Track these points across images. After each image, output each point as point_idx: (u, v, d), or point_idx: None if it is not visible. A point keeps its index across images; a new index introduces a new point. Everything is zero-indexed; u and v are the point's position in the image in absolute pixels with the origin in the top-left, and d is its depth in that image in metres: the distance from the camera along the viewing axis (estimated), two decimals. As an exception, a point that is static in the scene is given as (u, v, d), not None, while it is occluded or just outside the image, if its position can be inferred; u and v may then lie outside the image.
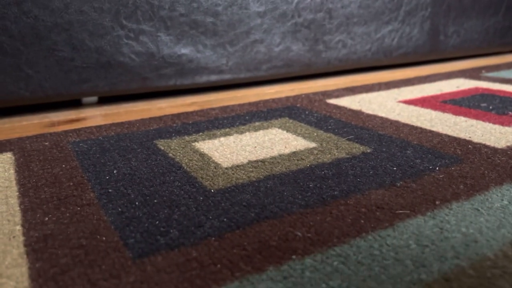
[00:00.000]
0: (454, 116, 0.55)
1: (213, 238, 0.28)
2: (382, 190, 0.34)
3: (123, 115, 0.63)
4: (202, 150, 0.45)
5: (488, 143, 0.45)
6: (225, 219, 0.30)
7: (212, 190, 0.35)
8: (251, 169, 0.39)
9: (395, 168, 0.39)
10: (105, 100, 0.73)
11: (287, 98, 0.69)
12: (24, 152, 0.46)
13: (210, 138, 0.49)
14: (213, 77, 0.74)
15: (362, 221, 0.29)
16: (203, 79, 0.73)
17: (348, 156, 0.42)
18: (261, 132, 0.51)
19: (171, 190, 0.35)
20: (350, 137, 0.48)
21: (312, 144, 0.46)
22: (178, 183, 0.37)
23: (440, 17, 0.98)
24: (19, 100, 0.61)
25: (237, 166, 0.40)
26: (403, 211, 0.31)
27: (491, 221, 0.29)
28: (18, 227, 0.30)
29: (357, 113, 0.58)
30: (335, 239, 0.27)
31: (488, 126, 0.51)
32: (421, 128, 0.51)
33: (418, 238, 0.27)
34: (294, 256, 0.26)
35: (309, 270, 0.24)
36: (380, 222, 0.29)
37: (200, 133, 0.51)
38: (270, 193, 0.34)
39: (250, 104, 0.66)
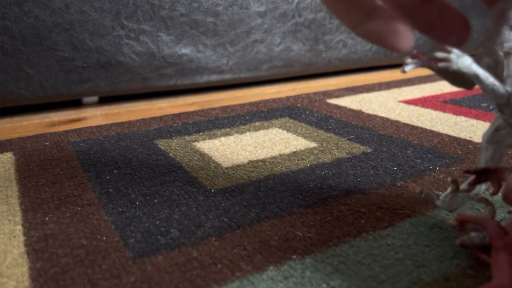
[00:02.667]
0: (454, 116, 0.55)
1: (214, 238, 0.28)
2: (382, 190, 0.34)
3: (124, 115, 0.63)
4: (202, 150, 0.45)
5: (488, 143, 0.45)
6: (225, 219, 0.30)
7: (213, 190, 0.35)
8: (251, 169, 0.39)
9: (395, 168, 0.39)
10: (105, 100, 0.73)
11: (288, 98, 0.69)
12: (25, 152, 0.46)
13: (210, 138, 0.49)
14: (214, 77, 0.74)
15: (363, 221, 0.29)
16: (203, 79, 0.73)
17: (348, 156, 0.42)
18: (261, 132, 0.51)
19: (172, 190, 0.35)
20: (350, 137, 0.48)
21: (313, 144, 0.46)
22: (179, 183, 0.37)
23: (440, 17, 0.98)
24: (19, 100, 0.61)
25: (238, 166, 0.40)
26: (403, 211, 0.31)
27: (491, 221, 0.29)
28: (19, 227, 0.30)
29: (358, 113, 0.58)
30: (335, 239, 0.27)
31: (489, 126, 0.51)
32: (421, 128, 0.51)
33: (418, 238, 0.27)
34: (294, 256, 0.26)
35: (309, 270, 0.24)
36: (380, 222, 0.29)
37: (201, 133, 0.51)
38: (271, 193, 0.34)
39: (250, 104, 0.66)
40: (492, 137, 0.25)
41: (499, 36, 0.21)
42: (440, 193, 0.27)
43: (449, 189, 0.26)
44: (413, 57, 0.23)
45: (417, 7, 0.22)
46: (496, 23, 0.21)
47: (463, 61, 0.21)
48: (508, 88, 0.21)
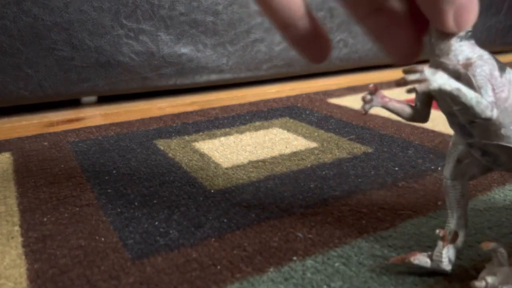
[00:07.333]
0: (455, 116, 0.55)
1: (213, 239, 0.28)
2: (383, 190, 0.34)
3: (123, 114, 0.63)
4: (202, 150, 0.45)
5: (490, 143, 0.44)
6: (225, 220, 0.30)
7: (212, 191, 0.35)
8: (251, 169, 0.39)
9: (396, 168, 0.38)
10: (104, 99, 0.73)
11: (288, 97, 0.69)
12: (23, 152, 0.46)
13: (210, 138, 0.49)
14: (213, 77, 0.74)
15: (364, 221, 0.29)
16: (203, 78, 0.73)
17: (349, 156, 0.42)
18: (261, 132, 0.51)
19: (171, 191, 0.35)
20: (351, 137, 0.48)
21: (313, 144, 0.46)
22: (178, 183, 0.36)
23: (441, 17, 0.98)
24: (18, 99, 0.61)
25: (237, 166, 0.40)
26: (404, 212, 0.30)
27: (493, 221, 0.29)
28: (17, 228, 0.30)
29: (358, 113, 0.58)
30: (336, 239, 0.27)
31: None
32: (422, 128, 0.51)
33: (420, 238, 0.27)
34: (295, 257, 0.25)
35: (310, 271, 0.24)
36: (381, 223, 0.29)
37: (200, 133, 0.51)
38: (271, 193, 0.34)
39: (250, 103, 0.66)
40: (455, 171, 0.23)
41: (451, 50, 0.20)
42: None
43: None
44: (370, 93, 0.22)
45: (367, 13, 0.22)
46: (443, 37, 0.20)
47: (441, 77, 0.18)
48: (488, 98, 0.19)
